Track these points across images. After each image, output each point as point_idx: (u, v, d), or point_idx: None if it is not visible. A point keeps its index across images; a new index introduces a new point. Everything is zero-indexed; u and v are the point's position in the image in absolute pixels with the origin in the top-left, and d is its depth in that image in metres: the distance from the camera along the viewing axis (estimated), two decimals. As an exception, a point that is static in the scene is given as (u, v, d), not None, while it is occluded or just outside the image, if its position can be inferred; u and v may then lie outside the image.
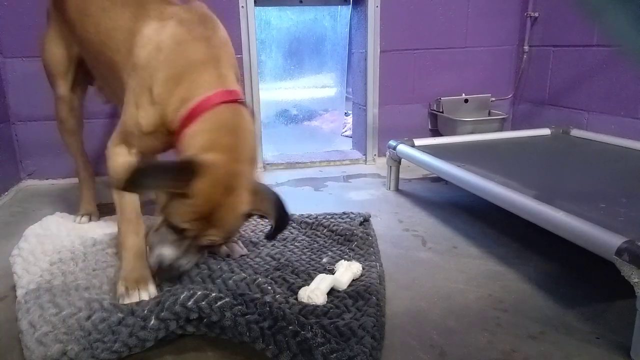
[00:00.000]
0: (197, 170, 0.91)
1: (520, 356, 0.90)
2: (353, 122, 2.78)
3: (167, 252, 1.00)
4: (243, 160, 0.99)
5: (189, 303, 0.93)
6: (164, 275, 1.04)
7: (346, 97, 3.79)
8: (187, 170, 0.91)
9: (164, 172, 0.92)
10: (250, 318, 0.91)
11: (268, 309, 0.93)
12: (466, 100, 2.42)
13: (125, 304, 0.98)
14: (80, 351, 0.85)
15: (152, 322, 0.90)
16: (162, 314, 0.91)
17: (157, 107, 1.06)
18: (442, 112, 2.39)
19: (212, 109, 1.01)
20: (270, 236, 1.08)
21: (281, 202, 1.02)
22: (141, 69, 1.08)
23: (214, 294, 0.96)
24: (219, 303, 0.94)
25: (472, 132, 2.23)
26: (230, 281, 1.11)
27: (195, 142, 0.99)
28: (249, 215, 1.03)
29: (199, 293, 0.95)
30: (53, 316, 0.95)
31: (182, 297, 0.93)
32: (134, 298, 1.01)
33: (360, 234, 1.40)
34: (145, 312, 0.92)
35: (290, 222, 1.10)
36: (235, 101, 1.05)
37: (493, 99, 2.49)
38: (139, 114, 1.07)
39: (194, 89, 1.03)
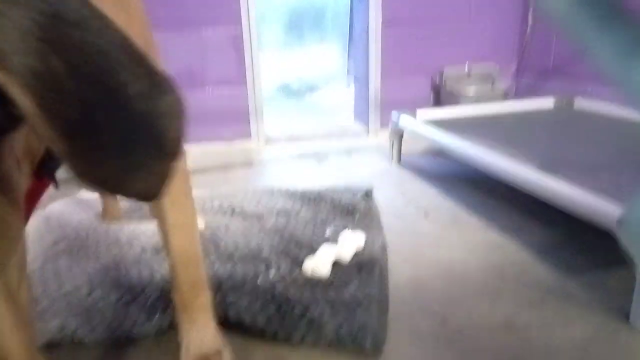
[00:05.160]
0: None
1: (520, 323, 0.92)
2: (355, 95, 2.75)
3: None
4: None
5: None
6: None
7: (348, 69, 3.75)
8: None
9: None
10: (255, 308, 0.91)
11: (270, 296, 0.93)
12: (469, 72, 2.39)
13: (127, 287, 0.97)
14: (78, 327, 0.87)
15: (156, 317, 0.89)
16: (168, 311, 0.90)
17: None
18: (445, 85, 2.36)
19: None
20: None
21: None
22: None
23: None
24: (222, 302, 0.92)
25: (474, 104, 2.21)
26: (235, 255, 1.13)
27: None
28: None
29: None
30: (55, 291, 0.97)
31: None
32: None
33: (362, 207, 1.41)
34: (149, 303, 0.92)
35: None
36: None
37: (497, 68, 2.46)
38: None
39: None
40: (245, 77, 2.23)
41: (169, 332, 0.91)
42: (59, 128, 0.27)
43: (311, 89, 3.78)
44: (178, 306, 0.80)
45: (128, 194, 0.31)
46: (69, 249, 1.17)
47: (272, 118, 2.77)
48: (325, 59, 3.93)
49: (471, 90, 2.27)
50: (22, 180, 0.37)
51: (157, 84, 0.32)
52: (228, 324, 0.93)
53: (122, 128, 0.29)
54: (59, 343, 0.86)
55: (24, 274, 0.66)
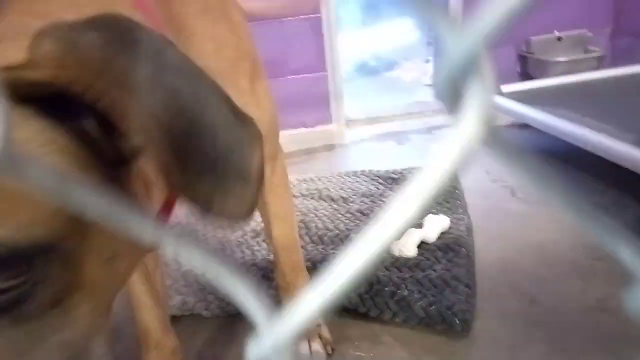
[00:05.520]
0: None
1: (613, 304, 0.91)
2: (435, 70, 2.71)
3: None
4: None
5: None
6: None
7: (428, 42, 3.66)
8: None
9: None
10: None
11: None
12: (559, 39, 2.26)
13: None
14: (196, 303, 1.00)
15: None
16: (271, 289, 1.01)
17: None
18: (533, 54, 2.25)
19: None
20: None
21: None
22: None
23: None
24: None
25: (566, 74, 2.10)
26: (326, 237, 1.21)
27: None
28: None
29: None
30: (175, 271, 1.12)
31: None
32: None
33: (446, 187, 1.42)
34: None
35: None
36: None
37: (589, 34, 2.29)
38: None
39: None
40: (325, 61, 2.29)
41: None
42: (165, 154, 0.33)
43: (389, 65, 3.75)
44: (281, 286, 0.89)
45: (220, 214, 0.35)
46: (181, 233, 1.32)
47: (352, 99, 2.81)
48: (402, 34, 3.87)
49: (562, 57, 2.15)
50: (151, 200, 0.45)
51: (239, 119, 0.37)
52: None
53: (210, 156, 0.34)
54: (182, 316, 1.00)
55: (159, 261, 0.78)
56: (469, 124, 0.11)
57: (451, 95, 0.11)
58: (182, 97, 0.33)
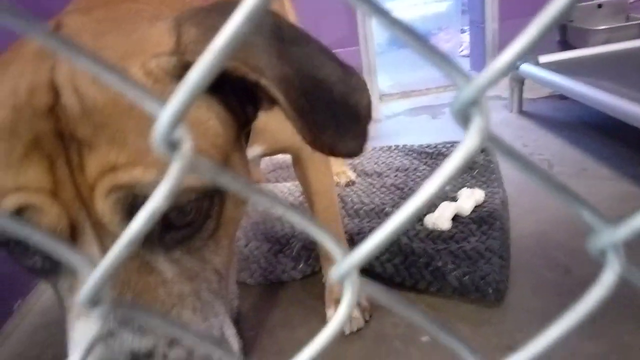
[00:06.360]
0: None
1: (650, 276, 0.91)
2: (470, 41, 2.65)
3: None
4: None
5: None
6: None
7: (462, 10, 3.57)
8: None
9: None
10: (383, 258, 1.02)
11: (397, 247, 1.03)
12: (600, 6, 2.17)
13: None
14: (240, 271, 1.07)
15: (301, 265, 1.07)
16: (310, 261, 1.07)
17: None
18: (572, 22, 2.18)
19: None
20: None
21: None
22: None
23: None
24: None
25: (606, 42, 2.02)
26: (361, 211, 1.25)
27: None
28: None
29: None
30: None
31: None
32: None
33: (481, 161, 1.43)
34: (294, 253, 1.09)
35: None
36: None
37: (632, 0, 2.19)
38: None
39: None
40: (358, 36, 2.28)
41: (312, 277, 1.07)
42: (296, 111, 0.38)
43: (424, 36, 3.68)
44: (322, 256, 0.97)
45: (341, 153, 0.42)
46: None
47: (385, 72, 2.79)
48: (436, 3, 3.78)
49: (603, 25, 2.07)
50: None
51: (346, 70, 0.43)
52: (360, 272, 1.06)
53: (330, 106, 0.41)
54: (228, 284, 1.07)
55: None
56: (471, 140, 0.16)
57: (462, 119, 0.16)
58: (303, 63, 0.40)
